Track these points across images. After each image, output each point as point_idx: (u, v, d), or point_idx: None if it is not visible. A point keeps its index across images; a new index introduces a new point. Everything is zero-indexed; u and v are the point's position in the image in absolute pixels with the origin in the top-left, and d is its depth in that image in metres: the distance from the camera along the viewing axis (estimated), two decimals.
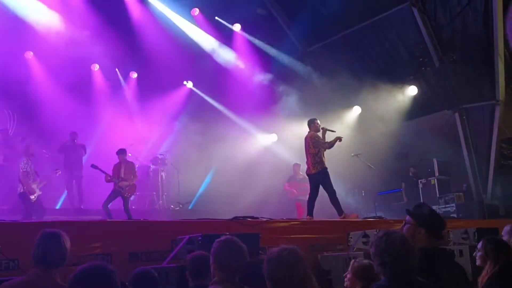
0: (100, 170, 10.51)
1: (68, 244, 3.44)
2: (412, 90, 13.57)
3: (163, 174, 13.39)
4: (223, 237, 3.48)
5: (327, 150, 9.39)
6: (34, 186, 9.64)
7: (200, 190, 14.29)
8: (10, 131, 12.14)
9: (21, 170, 9.55)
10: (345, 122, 14.35)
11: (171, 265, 5.09)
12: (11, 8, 11.97)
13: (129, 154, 12.53)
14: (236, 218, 7.14)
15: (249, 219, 7.24)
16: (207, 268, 4.02)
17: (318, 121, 9.61)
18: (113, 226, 6.53)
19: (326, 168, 9.21)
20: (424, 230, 3.39)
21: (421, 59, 13.11)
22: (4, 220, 5.87)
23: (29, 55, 13.15)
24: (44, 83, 13.04)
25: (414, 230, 3.41)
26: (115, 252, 5.72)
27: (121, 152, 10.92)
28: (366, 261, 3.93)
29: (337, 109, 14.34)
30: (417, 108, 13.68)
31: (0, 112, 12.47)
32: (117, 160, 10.79)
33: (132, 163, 11.17)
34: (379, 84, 13.69)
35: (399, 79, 13.64)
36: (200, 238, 5.16)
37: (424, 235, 3.38)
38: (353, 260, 4.12)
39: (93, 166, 10.58)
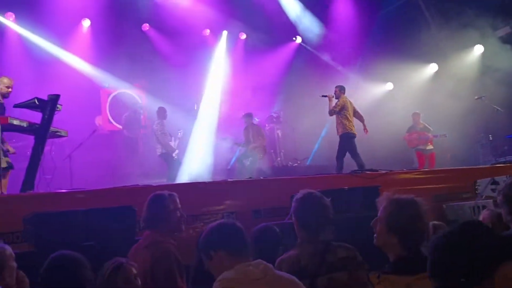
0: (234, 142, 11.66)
1: (172, 205, 3.67)
2: None
3: (279, 132, 13.60)
4: (300, 193, 3.27)
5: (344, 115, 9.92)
6: (172, 144, 10.37)
7: (316, 146, 14.34)
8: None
9: (159, 132, 10.26)
10: (466, 63, 13.42)
11: (292, 221, 5.24)
12: None
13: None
14: (355, 171, 7.12)
15: (368, 171, 7.18)
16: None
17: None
18: (237, 185, 6.82)
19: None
20: None
21: None
22: (137, 185, 6.39)
23: (146, 27, 13.81)
24: (161, 52, 13.74)
25: None
26: (239, 210, 6.01)
27: (247, 116, 11.72)
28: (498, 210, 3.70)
29: (455, 51, 13.45)
30: None
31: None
32: (243, 124, 11.66)
33: (258, 126, 11.84)
34: (504, 19, 12.55)
35: None
36: (319, 193, 5.21)
37: None
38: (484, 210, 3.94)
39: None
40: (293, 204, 3.25)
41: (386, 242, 2.51)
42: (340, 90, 10.14)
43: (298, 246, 3.14)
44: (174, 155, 10.38)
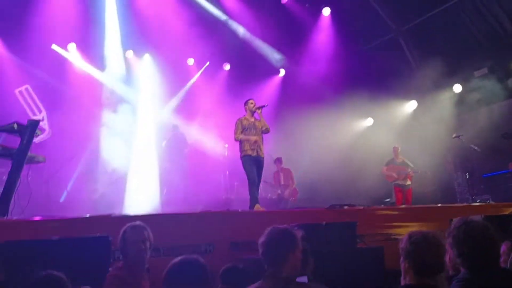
0: (267, 182, 12.12)
1: (133, 238, 3.72)
2: None
3: None
4: (272, 228, 3.30)
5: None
6: None
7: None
8: None
9: None
10: (445, 102, 13.69)
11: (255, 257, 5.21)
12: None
13: (226, 145, 12.96)
14: (332, 206, 7.14)
15: (346, 206, 7.21)
16: (305, 258, 4.07)
17: (252, 101, 8.59)
18: (215, 217, 6.78)
19: (246, 155, 8.30)
20: None
21: None
22: (112, 214, 6.31)
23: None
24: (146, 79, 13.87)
25: None
26: (217, 242, 5.96)
27: (278, 160, 12.23)
28: None
29: (435, 89, 13.75)
30: None
31: None
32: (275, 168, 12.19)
33: (288, 170, 12.41)
34: (482, 60, 12.90)
35: (504, 54, 12.74)
36: (296, 227, 5.21)
37: None
38: None
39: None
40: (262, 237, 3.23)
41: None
42: None
43: (264, 279, 3.11)
44: None
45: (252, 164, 8.20)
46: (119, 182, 11.73)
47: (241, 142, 8.35)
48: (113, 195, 11.00)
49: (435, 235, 2.74)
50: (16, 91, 12.36)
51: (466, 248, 2.76)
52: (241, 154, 8.34)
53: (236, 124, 8.44)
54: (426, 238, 2.70)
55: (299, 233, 3.24)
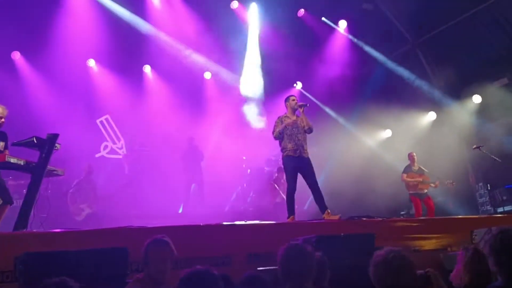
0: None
1: (152, 254, 3.79)
2: None
3: (276, 174, 13.59)
4: (286, 245, 3.30)
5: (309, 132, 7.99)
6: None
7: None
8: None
9: None
10: (464, 113, 13.53)
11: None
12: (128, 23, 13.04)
13: (244, 158, 13.01)
14: (351, 218, 7.08)
15: (364, 218, 7.13)
16: (322, 270, 4.04)
17: (293, 98, 8.15)
18: (232, 229, 6.76)
19: (286, 156, 7.88)
20: None
21: None
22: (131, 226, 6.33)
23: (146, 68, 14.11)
24: (160, 93, 13.96)
25: None
26: (235, 254, 5.94)
27: (280, 169, 11.57)
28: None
29: (454, 100, 13.62)
30: None
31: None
32: None
33: None
34: (502, 71, 12.76)
35: None
36: (314, 239, 5.19)
37: None
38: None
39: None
40: (278, 253, 3.26)
41: None
42: None
43: None
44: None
45: (293, 168, 7.74)
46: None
47: (281, 140, 7.97)
48: (104, 213, 10.55)
49: (396, 255, 2.68)
50: (98, 121, 12.68)
51: (504, 257, 2.73)
52: (282, 153, 7.99)
53: (276, 122, 8.06)
54: (385, 260, 2.67)
55: (310, 247, 3.27)
